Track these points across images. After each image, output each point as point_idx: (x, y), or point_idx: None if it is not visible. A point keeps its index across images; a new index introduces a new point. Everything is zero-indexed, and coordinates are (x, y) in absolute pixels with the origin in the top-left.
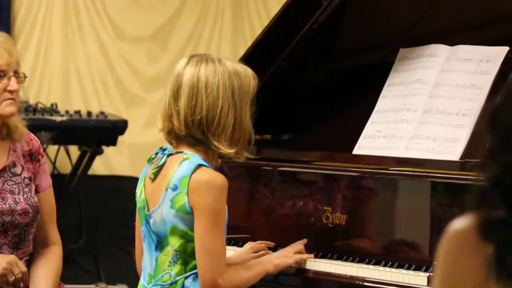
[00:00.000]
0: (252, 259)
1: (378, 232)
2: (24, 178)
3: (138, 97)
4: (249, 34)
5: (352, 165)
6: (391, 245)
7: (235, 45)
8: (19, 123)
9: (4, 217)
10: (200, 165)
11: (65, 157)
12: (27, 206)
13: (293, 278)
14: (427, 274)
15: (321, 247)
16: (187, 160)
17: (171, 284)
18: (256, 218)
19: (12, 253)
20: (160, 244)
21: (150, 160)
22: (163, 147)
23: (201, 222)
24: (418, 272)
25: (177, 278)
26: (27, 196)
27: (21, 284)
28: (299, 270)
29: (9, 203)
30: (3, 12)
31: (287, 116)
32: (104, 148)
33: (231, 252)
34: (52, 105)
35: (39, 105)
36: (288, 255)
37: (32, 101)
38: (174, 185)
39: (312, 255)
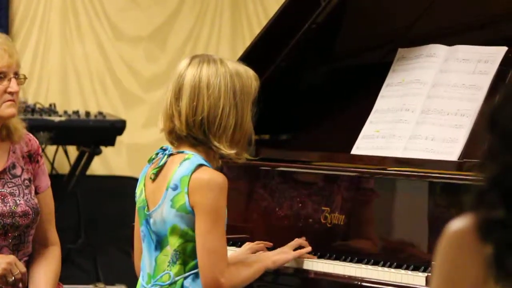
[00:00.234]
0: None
1: (377, 232)
2: (24, 179)
3: (136, 97)
4: (247, 34)
5: (351, 165)
6: (389, 245)
7: (234, 45)
8: (19, 125)
9: (4, 219)
10: (200, 165)
11: (64, 158)
12: (27, 208)
13: (291, 278)
14: (426, 274)
15: (320, 247)
16: (187, 160)
17: (170, 284)
18: (254, 218)
19: (12, 255)
20: (159, 244)
21: (150, 160)
22: (163, 147)
23: (202, 221)
24: (417, 272)
25: (176, 279)
26: (27, 198)
27: (20, 285)
28: (298, 271)
29: (10, 205)
30: (1, 12)
31: (286, 116)
32: (103, 148)
33: (229, 252)
34: (50, 105)
35: (38, 105)
36: (286, 251)
37: (30, 101)
38: (174, 185)
39: (310, 248)
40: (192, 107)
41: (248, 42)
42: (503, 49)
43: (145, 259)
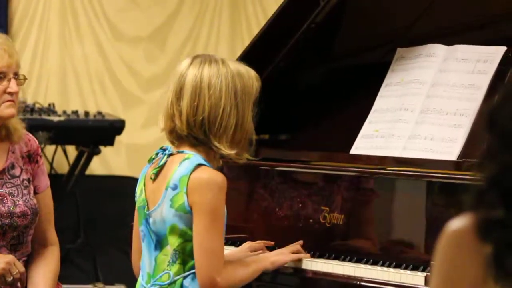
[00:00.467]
0: (249, 256)
1: (376, 232)
2: (23, 180)
3: (135, 97)
4: (246, 34)
5: (350, 165)
6: (388, 245)
7: (233, 45)
8: (18, 125)
9: (3, 220)
10: (200, 165)
11: (63, 157)
12: (26, 208)
13: (290, 278)
14: (425, 274)
15: (319, 247)
16: (187, 160)
17: (169, 284)
18: (254, 218)
19: (10, 254)
20: (159, 243)
21: (150, 161)
22: (163, 147)
23: (200, 220)
24: (416, 272)
25: (176, 278)
26: (26, 199)
27: (19, 284)
28: (297, 270)
29: (8, 206)
30: (1, 12)
31: (285, 116)
32: (102, 148)
33: (228, 251)
34: (49, 105)
35: (37, 105)
36: (285, 253)
37: (29, 101)
38: (174, 185)
39: (308, 255)
40: (193, 107)
41: (247, 42)
42: (502, 49)
43: (145, 259)
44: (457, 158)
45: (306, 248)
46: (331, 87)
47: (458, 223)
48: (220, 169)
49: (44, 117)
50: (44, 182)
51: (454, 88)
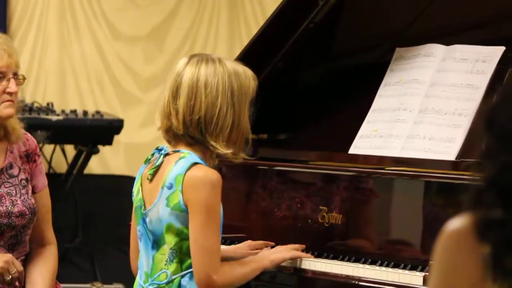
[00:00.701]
0: (247, 254)
1: (374, 232)
2: (21, 179)
3: (134, 97)
4: (245, 34)
5: (348, 164)
6: (387, 245)
7: (231, 44)
8: (17, 125)
9: (1, 219)
10: (195, 163)
11: (61, 157)
12: (24, 208)
13: (289, 278)
14: (423, 273)
15: (317, 247)
16: (183, 159)
17: (167, 283)
18: (252, 217)
19: (8, 253)
20: (156, 243)
21: (147, 161)
22: (159, 147)
23: (196, 218)
24: (414, 271)
25: (174, 277)
26: (24, 198)
27: (17, 283)
28: (295, 270)
29: (6, 206)
30: None
31: (284, 115)
32: (100, 147)
33: (227, 248)
34: (48, 104)
35: (35, 104)
36: (283, 250)
37: (28, 100)
38: (169, 184)
39: (308, 254)
40: (190, 106)
41: (245, 41)
42: (501, 49)
43: (143, 258)
44: (456, 158)
45: (305, 248)
46: (330, 86)
47: (456, 223)
48: (219, 169)
49: (43, 116)
50: (42, 181)
51: (452, 88)
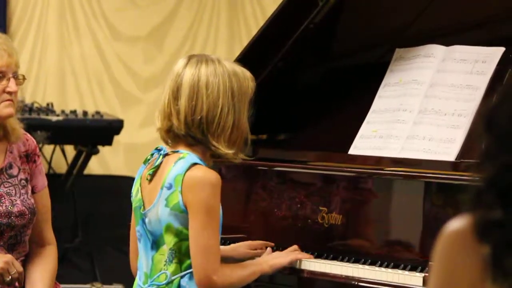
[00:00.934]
0: (246, 253)
1: (374, 233)
2: (21, 179)
3: (134, 97)
4: (245, 34)
5: (348, 165)
6: (386, 245)
7: (231, 45)
8: (16, 125)
9: (0, 219)
10: (194, 164)
11: (61, 157)
12: (23, 208)
13: (289, 278)
14: (423, 274)
15: (317, 247)
16: (182, 159)
17: (167, 283)
18: (252, 218)
19: (8, 254)
20: (155, 243)
21: (146, 161)
22: (158, 148)
23: (195, 219)
24: (414, 272)
25: (173, 278)
26: (24, 198)
27: (17, 284)
28: (295, 270)
29: (6, 205)
30: None
31: (284, 116)
32: (100, 148)
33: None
34: (47, 104)
35: (35, 105)
36: (283, 256)
37: (27, 101)
38: (169, 184)
39: (307, 255)
40: (191, 106)
41: (245, 42)
42: (501, 50)
43: (142, 259)
44: (455, 159)
45: (304, 248)
46: (330, 87)
47: (456, 224)
48: (218, 169)
49: (43, 116)
50: (42, 182)
51: (452, 88)
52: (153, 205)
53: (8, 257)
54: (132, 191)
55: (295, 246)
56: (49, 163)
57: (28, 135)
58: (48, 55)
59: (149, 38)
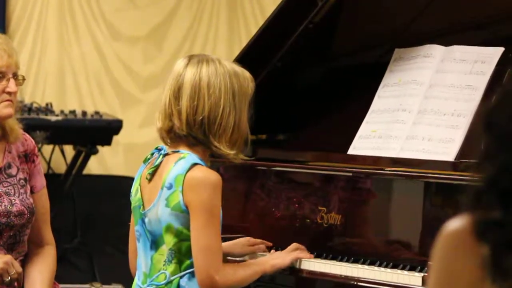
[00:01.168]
0: (245, 250)
1: (373, 232)
2: (20, 179)
3: (133, 97)
4: (244, 34)
5: (347, 165)
6: (386, 245)
7: (231, 45)
8: (15, 125)
9: (0, 219)
10: (195, 164)
11: (60, 157)
12: (22, 207)
13: (288, 278)
14: (422, 274)
15: (316, 247)
16: (183, 159)
17: (166, 284)
18: (251, 218)
19: (7, 254)
20: (155, 243)
21: (146, 161)
22: (158, 147)
23: (196, 219)
24: (413, 272)
25: (172, 278)
26: (23, 198)
27: (16, 284)
28: (295, 270)
29: (5, 205)
30: None
31: (283, 116)
32: (99, 148)
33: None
34: (47, 104)
35: (34, 105)
36: (284, 256)
37: (27, 101)
38: (169, 184)
39: (308, 254)
40: (193, 107)
41: (245, 42)
42: (500, 50)
43: (141, 259)
44: (455, 159)
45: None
46: (329, 87)
47: (455, 224)
48: (217, 169)
49: (42, 116)
50: (40, 182)
51: (451, 88)
52: (153, 205)
53: (8, 257)
54: (131, 190)
55: (295, 244)
56: (48, 163)
57: (27, 135)
58: (47, 55)
59: (149, 38)
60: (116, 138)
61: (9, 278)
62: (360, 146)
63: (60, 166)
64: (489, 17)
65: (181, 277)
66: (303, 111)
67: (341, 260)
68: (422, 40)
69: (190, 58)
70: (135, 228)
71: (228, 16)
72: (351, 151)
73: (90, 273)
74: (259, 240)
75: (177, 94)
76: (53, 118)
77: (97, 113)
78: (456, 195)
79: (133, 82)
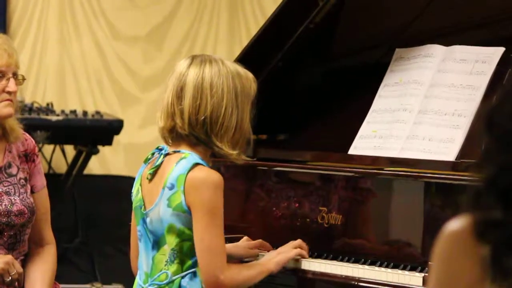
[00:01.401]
0: (247, 251)
1: (374, 233)
2: (20, 178)
3: (133, 97)
4: (244, 34)
5: (348, 165)
6: (386, 245)
7: (231, 45)
8: (15, 125)
9: (0, 218)
10: (197, 164)
11: (61, 157)
12: (23, 207)
13: (289, 278)
14: (422, 274)
15: (317, 247)
16: (184, 159)
17: (167, 283)
18: (251, 218)
19: (8, 254)
20: (156, 243)
21: (146, 161)
22: (159, 147)
23: (199, 220)
24: (413, 272)
25: (174, 278)
26: (23, 197)
27: (16, 284)
28: (295, 270)
29: (5, 204)
30: None
31: (283, 116)
32: (100, 147)
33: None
34: (47, 104)
35: (35, 105)
36: (286, 251)
37: (27, 101)
38: (171, 184)
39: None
40: (195, 106)
41: (245, 42)
42: (501, 50)
43: (142, 259)
44: (455, 159)
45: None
46: (330, 87)
47: (455, 224)
48: (218, 169)
49: (43, 116)
50: (41, 181)
51: (452, 88)
52: (155, 205)
53: (8, 257)
54: (132, 190)
55: (299, 241)
56: (49, 163)
57: (27, 135)
58: (48, 55)
59: (149, 38)
60: (116, 138)
61: (10, 278)
62: (360, 146)
63: (61, 166)
64: (489, 17)
65: (182, 277)
66: (303, 111)
67: (341, 260)
68: (423, 40)
69: (193, 58)
70: (137, 228)
71: (229, 16)
72: (352, 151)
73: (90, 273)
74: (258, 243)
75: (179, 93)
76: (53, 118)
77: (97, 113)
78: (456, 195)
79: (134, 82)
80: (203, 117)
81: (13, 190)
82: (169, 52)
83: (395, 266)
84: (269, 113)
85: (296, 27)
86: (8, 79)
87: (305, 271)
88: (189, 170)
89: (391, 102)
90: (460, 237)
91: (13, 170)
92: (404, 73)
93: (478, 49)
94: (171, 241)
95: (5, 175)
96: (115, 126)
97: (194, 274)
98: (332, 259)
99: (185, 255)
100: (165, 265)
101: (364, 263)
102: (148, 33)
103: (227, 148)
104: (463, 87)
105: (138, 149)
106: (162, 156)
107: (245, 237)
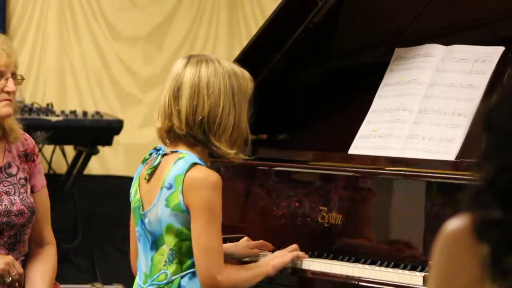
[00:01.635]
0: (247, 251)
1: (374, 232)
2: (20, 178)
3: (133, 97)
4: (244, 34)
5: (348, 165)
6: (387, 245)
7: (231, 45)
8: (15, 125)
9: (0, 218)
10: (194, 164)
11: (61, 157)
12: (23, 206)
13: (289, 278)
14: (423, 274)
15: (317, 247)
16: (182, 159)
17: (167, 283)
18: (251, 218)
19: (8, 254)
20: (155, 243)
21: (144, 161)
22: (157, 147)
23: (197, 220)
24: (414, 272)
25: (173, 278)
26: (23, 197)
27: (17, 285)
28: (295, 270)
29: (5, 204)
30: None
31: (283, 116)
32: (100, 148)
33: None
34: (47, 105)
35: (35, 105)
36: (283, 255)
37: (27, 101)
38: (169, 184)
39: (306, 256)
40: (193, 106)
41: (245, 42)
42: (500, 49)
43: (141, 259)
44: (455, 158)
45: (305, 248)
46: (330, 87)
47: (455, 223)
48: (217, 169)
49: (42, 117)
50: (41, 181)
51: (452, 88)
52: (153, 205)
53: (9, 258)
54: (130, 191)
55: (295, 246)
56: (49, 164)
57: (27, 135)
58: (48, 55)
59: (149, 38)
60: (116, 138)
61: (10, 278)
62: (360, 145)
63: (61, 166)
64: (489, 17)
65: (182, 277)
66: (303, 111)
67: (342, 260)
68: (422, 39)
69: (189, 58)
70: (135, 228)
71: (228, 16)
72: (352, 150)
73: (91, 273)
74: (259, 243)
75: (176, 94)
76: (53, 118)
77: (97, 113)
78: (456, 195)
79: (134, 82)
80: (200, 117)
81: (13, 190)
82: (169, 52)
83: (395, 266)
84: (269, 113)
85: (295, 27)
86: (7, 79)
87: (306, 271)
88: (187, 170)
89: (391, 102)
90: (459, 237)
91: (13, 170)
92: (404, 73)
93: (478, 49)
94: (169, 241)
95: (5, 175)
96: (115, 127)
97: (194, 274)
98: (333, 258)
99: (184, 255)
100: (164, 265)
101: (364, 263)
102: (148, 33)
103: (225, 148)
104: (463, 87)
105: (138, 149)
106: (160, 156)
107: (245, 237)
